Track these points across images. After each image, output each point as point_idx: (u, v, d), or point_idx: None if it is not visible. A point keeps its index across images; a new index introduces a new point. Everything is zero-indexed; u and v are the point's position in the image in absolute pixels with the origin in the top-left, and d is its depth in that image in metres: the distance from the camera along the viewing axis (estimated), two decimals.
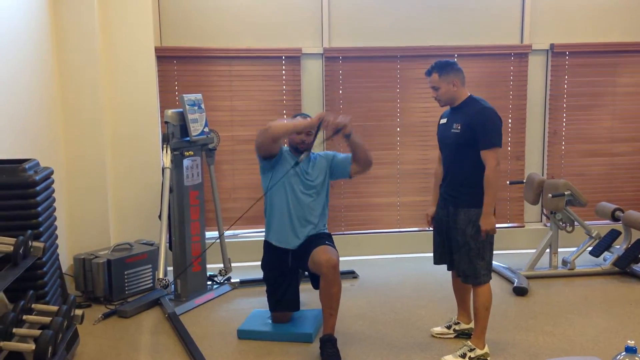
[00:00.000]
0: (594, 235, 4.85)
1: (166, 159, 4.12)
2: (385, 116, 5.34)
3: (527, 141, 5.48)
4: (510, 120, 5.42)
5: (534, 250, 4.86)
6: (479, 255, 3.28)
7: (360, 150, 3.60)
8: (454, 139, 3.32)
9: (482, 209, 3.22)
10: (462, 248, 3.32)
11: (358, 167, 3.68)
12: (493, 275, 3.59)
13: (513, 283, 4.46)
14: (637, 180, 5.63)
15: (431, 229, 3.63)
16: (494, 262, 3.57)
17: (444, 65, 3.32)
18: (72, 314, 3.05)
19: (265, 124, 3.51)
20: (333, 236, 3.73)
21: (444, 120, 3.46)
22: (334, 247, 3.54)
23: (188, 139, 4.25)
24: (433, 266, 3.65)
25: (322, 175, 3.67)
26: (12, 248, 2.68)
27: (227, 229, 4.55)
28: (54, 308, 2.91)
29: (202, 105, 4.36)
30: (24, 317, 2.72)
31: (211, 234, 4.84)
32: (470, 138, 3.24)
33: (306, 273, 3.71)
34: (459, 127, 3.28)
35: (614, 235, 4.86)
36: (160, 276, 3.86)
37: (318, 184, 3.65)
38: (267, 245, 3.74)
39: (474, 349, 3.30)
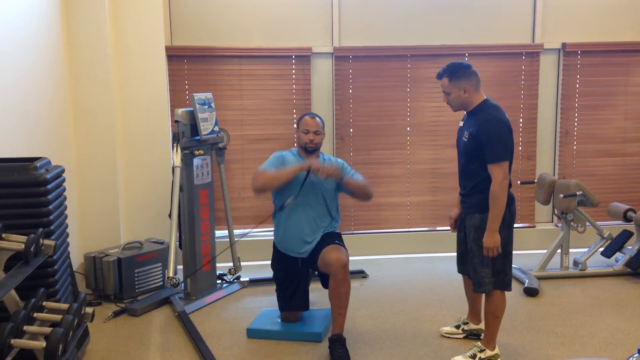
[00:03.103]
0: (605, 235, 4.81)
1: (176, 158, 4.13)
2: (395, 115, 5.33)
3: (538, 141, 5.44)
4: (521, 120, 5.39)
5: (545, 251, 4.82)
6: (483, 262, 3.21)
7: (355, 189, 3.58)
8: (463, 147, 3.28)
9: (486, 215, 3.14)
10: (469, 253, 3.30)
11: (355, 198, 3.73)
12: None
13: (524, 284, 4.43)
14: None
15: (452, 231, 3.58)
16: None
17: (455, 69, 3.20)
18: (82, 312, 3.05)
19: (256, 174, 3.54)
20: (343, 236, 3.73)
21: (461, 124, 3.38)
22: (344, 246, 3.53)
23: (198, 138, 4.25)
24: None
25: (331, 184, 3.61)
26: (23, 246, 2.69)
27: (237, 236, 4.58)
28: (65, 306, 2.92)
29: (212, 105, 4.37)
30: (35, 314, 2.74)
31: (221, 232, 4.85)
32: (476, 149, 3.15)
33: (316, 272, 3.70)
34: (467, 136, 3.21)
35: (626, 235, 4.81)
36: (170, 275, 3.88)
37: (327, 193, 3.61)
38: (276, 246, 3.74)
39: (484, 349, 3.28)
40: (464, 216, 3.35)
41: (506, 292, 3.28)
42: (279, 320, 3.79)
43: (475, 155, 3.17)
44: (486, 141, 3.10)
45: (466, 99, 3.21)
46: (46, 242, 2.91)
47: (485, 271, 3.21)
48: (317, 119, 3.64)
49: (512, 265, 3.16)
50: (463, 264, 3.47)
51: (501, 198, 3.10)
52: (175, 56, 5.00)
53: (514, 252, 3.29)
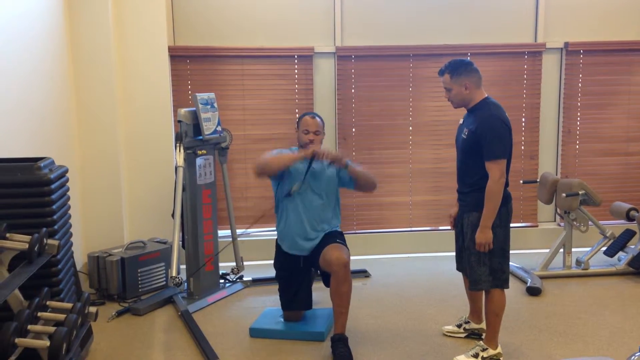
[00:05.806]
0: (608, 235, 4.81)
1: (179, 158, 4.14)
2: (397, 115, 5.33)
3: (541, 140, 5.44)
4: (523, 119, 5.39)
5: (547, 250, 4.82)
6: (480, 260, 3.22)
7: (361, 178, 3.60)
8: (462, 144, 3.30)
9: (481, 214, 3.15)
10: (466, 251, 3.31)
11: (360, 189, 3.72)
12: None
13: (526, 283, 4.43)
14: None
15: (452, 229, 3.59)
16: None
17: (457, 66, 3.23)
18: (86, 311, 3.07)
19: (259, 158, 3.52)
20: (345, 235, 3.73)
21: (461, 122, 3.40)
22: (346, 245, 3.54)
23: (201, 137, 4.26)
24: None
25: (332, 179, 3.65)
26: (27, 246, 2.71)
27: (239, 236, 4.61)
28: (68, 305, 2.94)
29: (215, 104, 4.38)
30: (39, 314, 2.75)
31: (223, 232, 4.86)
32: (474, 146, 3.17)
33: (318, 272, 3.71)
34: (466, 133, 3.23)
35: (628, 235, 4.81)
36: (174, 274, 3.89)
37: (328, 187, 3.63)
38: (279, 245, 3.75)
39: (487, 348, 3.28)
40: (461, 214, 3.36)
41: (507, 290, 3.29)
42: (282, 320, 3.80)
43: (474, 152, 3.19)
44: (484, 138, 3.12)
45: (467, 96, 3.23)
46: (50, 241, 2.93)
47: (482, 270, 3.22)
48: (317, 118, 3.65)
49: (512, 264, 3.16)
50: (461, 262, 3.49)
51: (497, 195, 3.11)
52: (178, 56, 5.02)
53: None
